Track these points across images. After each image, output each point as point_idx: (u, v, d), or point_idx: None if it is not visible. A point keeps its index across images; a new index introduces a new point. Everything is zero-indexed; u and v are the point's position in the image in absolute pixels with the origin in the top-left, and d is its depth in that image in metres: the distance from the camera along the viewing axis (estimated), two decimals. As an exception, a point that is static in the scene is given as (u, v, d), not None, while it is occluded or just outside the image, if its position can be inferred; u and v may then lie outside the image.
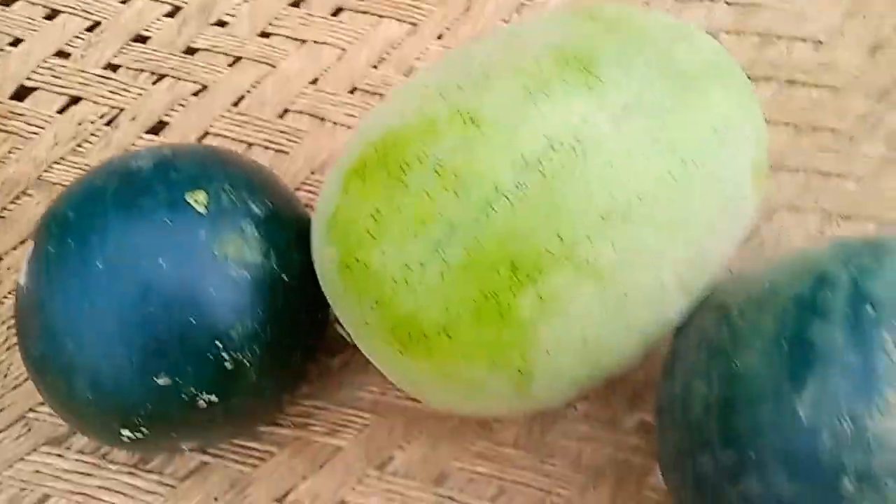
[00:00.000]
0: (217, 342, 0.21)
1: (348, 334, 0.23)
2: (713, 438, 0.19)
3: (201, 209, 0.21)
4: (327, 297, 0.22)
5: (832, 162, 0.30)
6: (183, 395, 0.21)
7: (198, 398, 0.21)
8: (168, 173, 0.22)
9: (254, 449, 0.27)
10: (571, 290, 0.19)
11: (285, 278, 0.22)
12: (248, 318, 0.21)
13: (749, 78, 0.31)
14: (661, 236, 0.19)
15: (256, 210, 0.22)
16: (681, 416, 0.20)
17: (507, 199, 0.18)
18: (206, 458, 0.27)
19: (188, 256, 0.21)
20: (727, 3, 0.33)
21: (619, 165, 0.18)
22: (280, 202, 0.24)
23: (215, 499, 0.26)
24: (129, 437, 0.21)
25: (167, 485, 0.26)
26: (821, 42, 0.31)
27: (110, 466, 0.27)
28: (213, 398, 0.21)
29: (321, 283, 0.22)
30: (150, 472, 0.26)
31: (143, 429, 0.21)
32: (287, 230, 0.23)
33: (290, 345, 0.23)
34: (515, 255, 0.18)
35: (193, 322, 0.20)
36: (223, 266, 0.21)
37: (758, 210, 0.23)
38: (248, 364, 0.21)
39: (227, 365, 0.21)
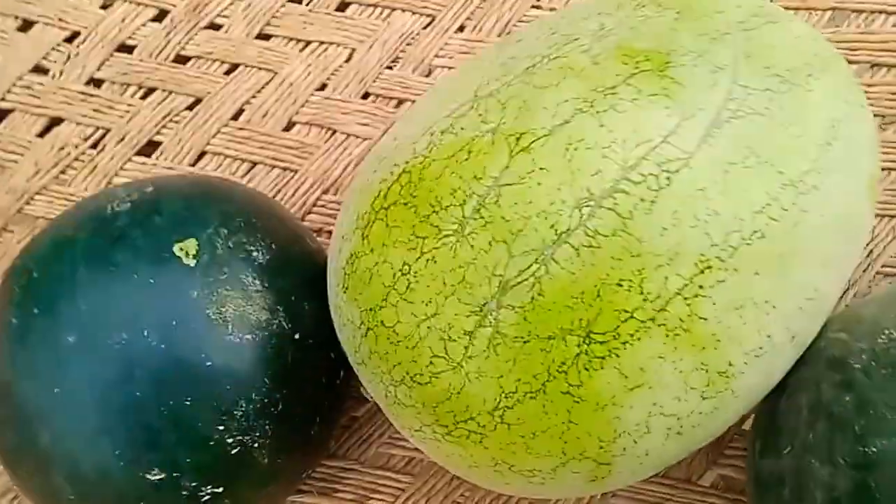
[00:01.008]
0: (218, 425, 0.17)
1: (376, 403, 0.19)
2: (824, 473, 0.15)
3: (191, 261, 0.17)
4: (351, 364, 0.18)
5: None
6: (182, 491, 0.17)
7: (200, 492, 0.17)
8: (150, 218, 0.18)
9: (272, 520, 0.23)
10: (662, 360, 0.15)
11: (297, 336, 0.18)
12: (254, 391, 0.18)
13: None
14: (770, 283, 0.15)
15: (258, 255, 0.18)
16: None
17: (572, 246, 0.14)
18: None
19: (179, 323, 0.17)
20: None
21: (711, 197, 0.14)
22: (287, 241, 0.20)
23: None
24: (120, 539, 0.18)
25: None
26: (910, 14, 0.27)
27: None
28: (218, 490, 0.17)
29: (340, 338, 0.18)
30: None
31: (136, 527, 0.18)
32: (296, 275, 0.19)
33: (307, 416, 0.19)
34: (587, 319, 0.14)
35: (188, 403, 0.17)
36: (221, 331, 0.17)
37: (870, 231, 0.19)
38: (256, 446, 0.18)
39: (232, 450, 0.17)
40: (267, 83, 0.29)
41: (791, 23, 0.17)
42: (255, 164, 0.29)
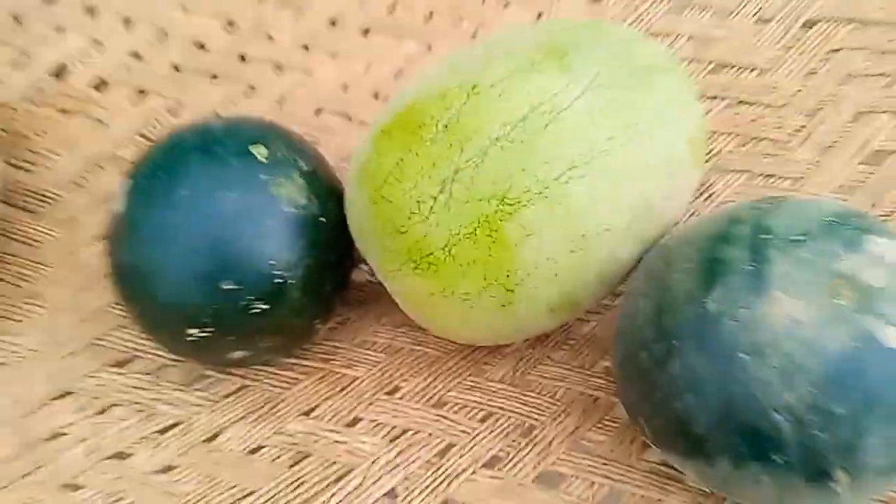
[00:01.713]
0: (271, 261, 0.26)
1: (370, 269, 0.29)
2: (648, 337, 0.24)
3: (262, 159, 0.27)
4: (355, 236, 0.28)
5: (772, 166, 0.36)
6: (241, 301, 0.26)
7: (252, 305, 0.27)
8: (237, 131, 0.28)
9: (285, 375, 0.32)
10: (544, 220, 0.24)
11: (323, 220, 0.28)
12: (294, 245, 0.27)
13: (705, 97, 0.38)
14: (612, 186, 0.25)
15: (303, 165, 0.28)
16: (628, 327, 0.25)
17: (498, 147, 0.24)
18: (244, 381, 0.32)
19: (252, 192, 0.27)
20: (689, 37, 0.40)
21: (581, 127, 0.25)
22: (319, 165, 0.30)
23: (252, 411, 0.31)
24: (194, 336, 0.27)
25: (211, 400, 0.31)
26: (764, 69, 0.38)
27: (164, 384, 0.32)
28: (265, 306, 0.27)
29: (350, 224, 0.28)
30: (197, 390, 0.32)
31: (207, 329, 0.27)
32: (325, 184, 0.29)
33: (325, 275, 0.28)
34: (503, 191, 0.24)
35: (255, 243, 0.26)
36: (278, 202, 0.27)
37: (697, 183, 0.29)
38: (292, 282, 0.27)
39: (277, 280, 0.27)
40: (304, 81, 0.40)
41: (654, 45, 0.28)
42: (290, 136, 0.39)
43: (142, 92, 0.40)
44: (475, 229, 0.25)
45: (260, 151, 0.28)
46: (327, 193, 0.29)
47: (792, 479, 0.22)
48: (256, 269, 0.26)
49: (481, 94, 0.25)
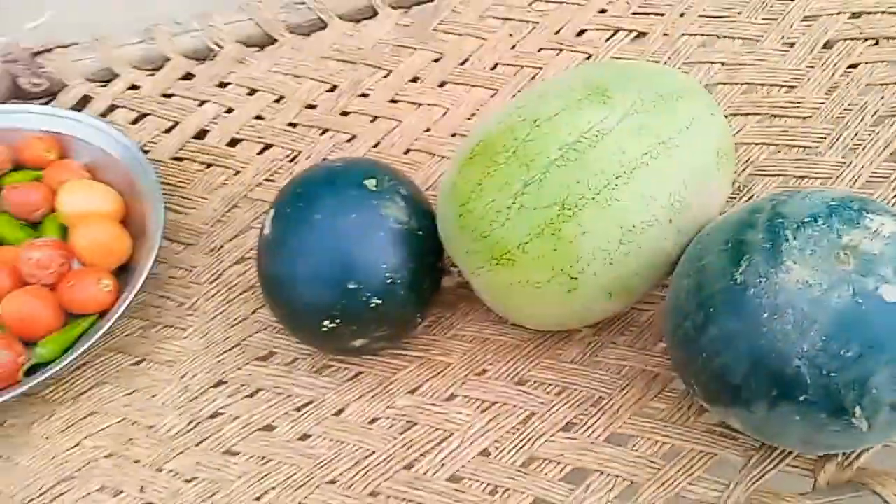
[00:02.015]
0: (383, 265, 0.34)
1: (458, 269, 0.36)
2: (691, 309, 0.30)
3: (373, 188, 0.35)
4: (445, 244, 0.35)
5: (803, 168, 0.41)
6: (362, 297, 0.34)
7: (370, 300, 0.34)
8: (353, 169, 0.36)
9: (393, 363, 0.39)
10: (597, 220, 0.31)
11: (420, 233, 0.36)
12: (400, 252, 0.35)
13: (740, 114, 0.43)
14: (652, 188, 0.31)
15: (403, 191, 0.36)
16: (674, 304, 0.31)
17: (556, 166, 0.31)
18: (360, 369, 0.39)
19: (366, 213, 0.34)
20: (721, 63, 0.46)
21: (621, 145, 0.31)
22: (415, 191, 0.37)
23: (369, 391, 0.38)
24: (327, 327, 0.35)
25: (336, 383, 0.39)
26: (791, 86, 0.43)
27: (297, 372, 0.40)
28: (379, 301, 0.34)
29: (442, 235, 0.35)
30: (325, 376, 0.39)
31: (337, 320, 0.34)
32: (420, 206, 0.37)
33: (423, 276, 0.36)
34: (562, 199, 0.31)
35: (370, 252, 0.34)
36: (386, 220, 0.35)
37: (728, 186, 0.35)
38: (399, 281, 0.34)
39: (388, 280, 0.34)
40: (395, 127, 0.48)
41: (676, 75, 0.34)
42: (385, 173, 0.47)
43: (267, 145, 0.49)
44: (542, 230, 0.31)
45: (371, 183, 0.35)
46: (422, 213, 0.36)
47: (818, 415, 0.27)
48: (373, 272, 0.34)
49: (541, 126, 0.32)
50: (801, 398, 0.27)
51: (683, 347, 0.31)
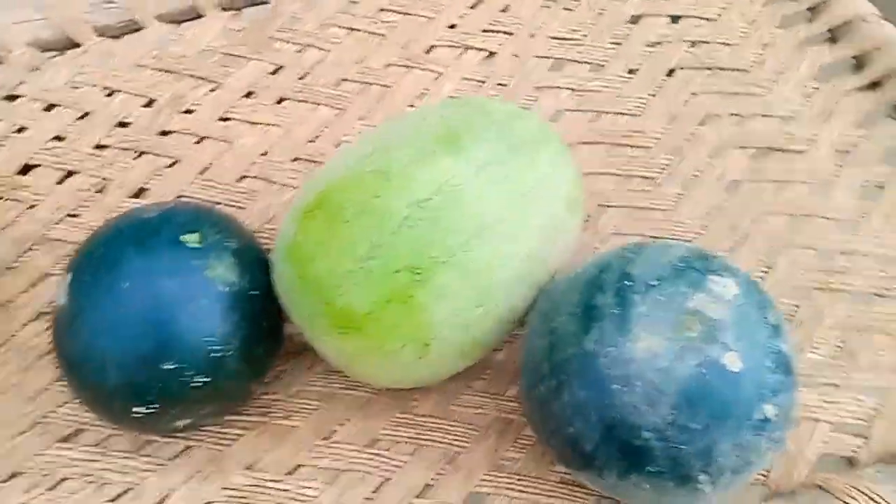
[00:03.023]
0: (208, 337, 0.29)
1: (301, 334, 0.32)
2: (545, 372, 0.28)
3: (194, 244, 0.30)
4: (284, 305, 0.31)
5: (646, 199, 0.41)
6: (182, 378, 0.29)
7: (193, 379, 0.29)
8: (169, 221, 0.31)
9: (227, 433, 0.35)
10: (453, 283, 0.29)
11: (253, 293, 0.31)
12: (229, 320, 0.30)
13: (587, 142, 0.43)
14: (508, 245, 0.29)
15: (232, 244, 0.31)
16: (529, 364, 0.30)
17: (407, 225, 0.28)
18: (188, 442, 0.35)
19: (186, 277, 0.29)
20: (571, 89, 0.45)
21: (477, 201, 0.29)
22: (246, 241, 0.33)
23: (199, 471, 0.34)
24: (139, 413, 0.29)
25: (159, 464, 0.34)
26: (635, 115, 0.44)
27: (112, 454, 0.34)
28: (205, 379, 0.30)
29: (280, 295, 0.31)
30: (144, 455, 0.34)
31: (153, 405, 0.29)
32: (253, 260, 0.32)
33: (257, 341, 0.32)
34: (414, 262, 0.28)
35: (192, 324, 0.29)
36: (211, 283, 0.30)
37: (579, 231, 0.34)
38: (229, 353, 0.30)
39: (214, 355, 0.30)
40: (226, 150, 0.43)
41: (531, 119, 0.32)
42: (217, 204, 0.41)
43: (69, 173, 0.41)
44: (392, 297, 0.28)
45: (192, 239, 0.30)
46: (257, 267, 0.32)
47: (666, 483, 0.27)
48: (195, 347, 0.29)
49: (391, 180, 0.29)
50: (651, 469, 0.26)
51: (538, 409, 0.29)
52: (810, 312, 0.38)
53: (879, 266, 0.38)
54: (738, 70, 0.45)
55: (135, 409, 0.29)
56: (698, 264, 0.28)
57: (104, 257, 0.30)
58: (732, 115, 0.43)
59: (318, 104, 0.44)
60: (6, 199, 0.40)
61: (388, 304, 0.28)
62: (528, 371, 0.30)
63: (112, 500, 0.33)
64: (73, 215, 0.40)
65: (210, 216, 0.32)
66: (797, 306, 0.38)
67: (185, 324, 0.29)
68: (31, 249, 0.39)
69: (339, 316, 0.29)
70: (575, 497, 0.33)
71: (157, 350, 0.29)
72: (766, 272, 0.39)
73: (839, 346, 0.37)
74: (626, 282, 0.28)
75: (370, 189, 0.29)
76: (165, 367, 0.29)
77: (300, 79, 0.45)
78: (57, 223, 0.40)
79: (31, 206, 0.40)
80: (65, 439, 0.34)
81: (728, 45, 0.45)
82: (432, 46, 0.47)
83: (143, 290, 0.29)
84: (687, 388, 0.26)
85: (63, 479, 0.33)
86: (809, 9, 0.46)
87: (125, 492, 0.33)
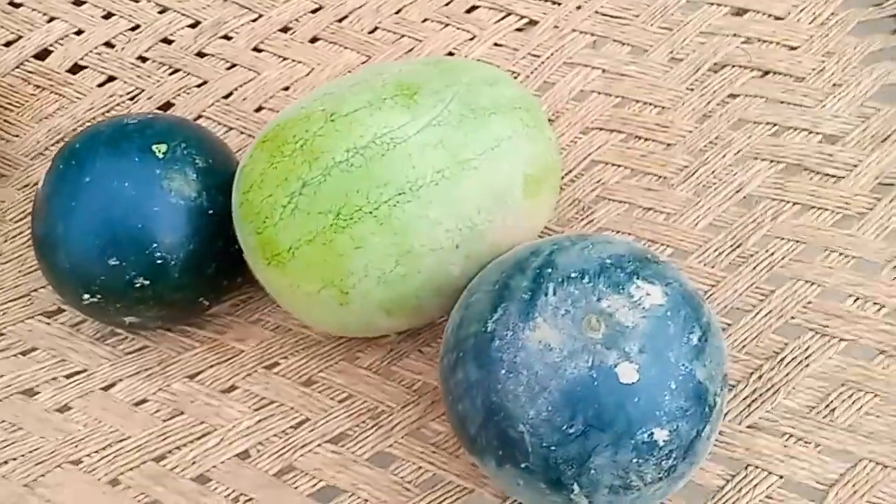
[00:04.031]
0: (154, 244, 0.31)
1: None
2: (449, 346, 0.28)
3: (160, 155, 0.32)
4: (235, 228, 0.32)
5: (652, 199, 0.38)
6: (125, 275, 0.31)
7: (135, 279, 0.31)
8: (145, 129, 0.33)
9: (182, 341, 0.37)
10: (373, 236, 0.28)
11: (210, 212, 0.33)
12: (178, 232, 0.32)
13: (604, 129, 0.41)
14: (437, 210, 0.28)
15: (199, 163, 0.33)
16: (444, 335, 0.29)
17: (339, 170, 0.28)
18: (147, 342, 0.37)
19: (145, 184, 0.31)
20: (602, 70, 0.42)
21: (414, 159, 0.28)
22: (220, 161, 0.34)
23: (146, 369, 0.36)
24: (87, 301, 0.32)
25: (116, 355, 0.36)
26: (664, 107, 0.41)
27: (80, 336, 0.37)
28: (146, 282, 0.31)
29: (233, 212, 0.32)
30: (107, 345, 0.37)
31: (98, 296, 0.32)
32: (220, 182, 0.33)
33: (208, 259, 0.33)
34: (339, 207, 0.28)
35: (140, 227, 0.31)
36: (167, 194, 0.31)
37: (540, 213, 0.32)
38: (172, 264, 0.32)
39: (158, 261, 0.31)
40: (251, 79, 0.44)
41: (505, 87, 0.31)
42: (230, 129, 0.43)
43: (110, 78, 0.45)
44: (314, 237, 0.29)
45: (160, 149, 0.32)
46: (223, 190, 0.33)
47: (539, 484, 0.26)
48: (139, 250, 0.31)
49: (336, 122, 0.29)
50: (523, 465, 0.25)
51: (441, 382, 0.29)
52: (797, 353, 0.34)
53: (890, 319, 0.34)
54: (790, 76, 0.40)
55: (83, 296, 0.32)
56: (629, 266, 0.26)
57: (77, 152, 0.32)
58: (770, 123, 0.39)
59: (347, 48, 0.45)
60: (53, 93, 0.44)
61: (309, 244, 0.29)
62: (443, 343, 0.29)
63: (67, 377, 0.36)
64: (104, 117, 0.44)
65: (188, 132, 0.34)
66: (785, 344, 0.34)
67: (132, 226, 0.31)
68: (62, 140, 0.43)
69: (265, 247, 0.30)
70: (483, 482, 0.32)
71: (104, 244, 0.31)
72: (759, 300, 0.35)
73: (819, 398, 0.33)
74: (547, 269, 0.26)
75: (314, 128, 0.29)
76: (109, 262, 0.31)
77: (338, 21, 0.46)
78: (89, 121, 0.43)
79: (72, 102, 0.44)
80: (47, 314, 0.38)
81: (787, 46, 0.41)
82: (474, 7, 0.45)
83: (101, 187, 0.31)
84: (570, 388, 0.24)
85: (33, 349, 0.37)
86: (893, 16, 0.40)
87: (80, 371, 0.36)
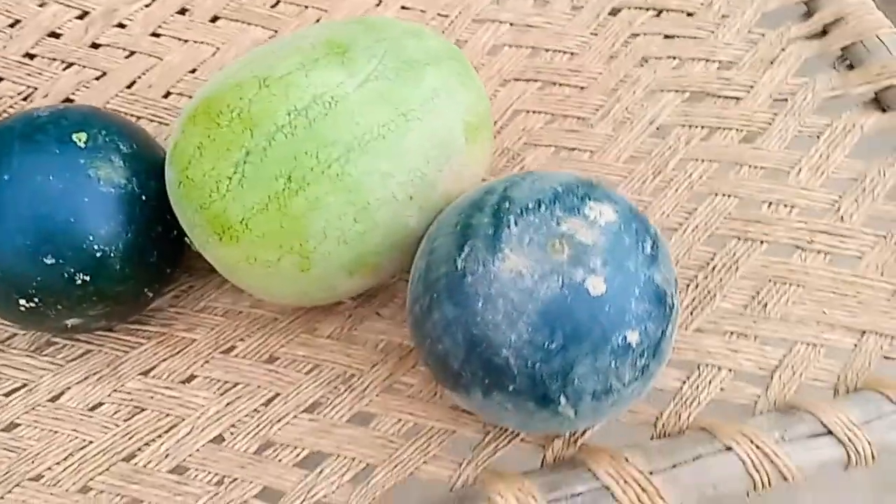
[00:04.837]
0: (90, 236, 0.30)
1: (191, 241, 0.32)
2: (420, 292, 0.28)
3: (82, 144, 0.30)
4: (175, 211, 0.31)
5: (574, 140, 0.40)
6: (64, 273, 0.29)
7: (75, 276, 0.30)
8: (59, 120, 0.31)
9: (127, 340, 0.35)
10: (328, 195, 0.28)
11: (143, 198, 0.31)
12: (113, 221, 0.30)
13: (522, 79, 0.42)
14: (387, 163, 0.29)
15: (124, 149, 0.31)
16: (411, 284, 0.30)
17: (283, 134, 0.28)
18: (89, 346, 0.35)
19: (70, 175, 0.29)
20: (510, 24, 0.44)
21: (357, 115, 0.28)
22: (143, 146, 0.33)
23: (95, 373, 0.34)
24: (24, 307, 0.30)
25: (57, 364, 0.34)
26: (574, 53, 0.43)
27: (12, 351, 0.35)
28: (87, 277, 0.30)
29: (171, 201, 0.31)
30: (44, 356, 0.35)
31: (35, 299, 0.30)
32: (148, 166, 0.32)
33: (148, 247, 0.32)
34: (289, 171, 0.28)
35: (73, 221, 0.29)
36: (95, 184, 0.30)
37: (482, 159, 0.33)
38: (112, 255, 0.30)
39: (97, 253, 0.30)
40: (154, 65, 0.42)
41: (429, 39, 0.32)
42: (139, 118, 0.41)
43: (-5, 78, 0.41)
44: (267, 205, 0.28)
45: (80, 138, 0.30)
46: (152, 174, 0.32)
47: (527, 404, 0.27)
48: (76, 244, 0.29)
49: (271, 86, 0.29)
50: (511, 388, 0.26)
51: (415, 329, 0.29)
52: (725, 260, 0.37)
53: (802, 218, 0.38)
54: (682, 12, 0.43)
55: (20, 302, 0.30)
56: (579, 191, 0.28)
57: (-12, 151, 0.30)
58: (671, 57, 0.42)
59: (252, 24, 0.44)
60: (-69, 102, 0.41)
61: (263, 212, 0.28)
62: (410, 292, 0.30)
63: (6, 395, 0.34)
64: (-2, 121, 0.40)
65: (104, 119, 0.32)
66: (714, 253, 0.37)
67: (64, 220, 0.29)
68: (-49, 152, 0.40)
69: (214, 222, 0.29)
70: (462, 421, 0.33)
71: (37, 243, 0.29)
72: (685, 218, 0.38)
73: (751, 296, 0.36)
74: (504, 203, 0.27)
75: (248, 95, 0.28)
76: (46, 261, 0.29)
77: (237, -1, 0.45)
78: (-21, 128, 0.40)
79: (-44, 110, 0.41)
80: (-33, 336, 0.35)
81: (675, -16, 0.44)
82: (375, -28, 0.46)
83: (24, 184, 0.29)
84: (546, 309, 0.26)
85: (-40, 374, 0.34)
86: (763, -49, 0.44)
87: (20, 387, 0.34)
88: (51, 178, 0.29)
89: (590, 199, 0.28)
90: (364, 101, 0.29)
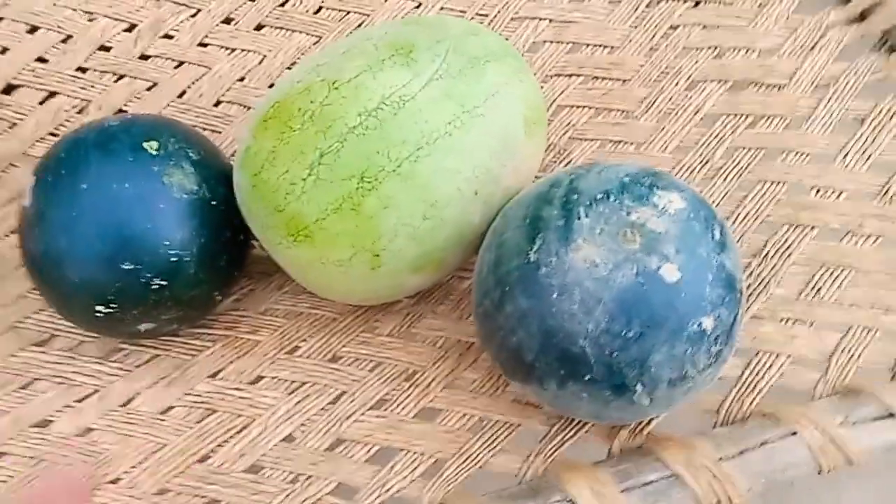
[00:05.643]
0: (165, 241, 0.30)
1: (260, 245, 0.33)
2: (490, 286, 0.29)
3: (153, 152, 0.31)
4: (244, 216, 0.32)
5: (620, 133, 0.41)
6: (141, 279, 0.30)
7: (152, 281, 0.30)
8: (130, 129, 0.31)
9: (194, 344, 0.36)
10: (399, 193, 0.29)
11: (214, 203, 0.32)
12: (187, 227, 0.31)
13: (564, 75, 0.43)
14: (454, 160, 0.29)
15: (193, 156, 0.32)
16: (477, 278, 0.30)
17: (355, 135, 0.29)
18: (156, 351, 0.36)
19: (144, 182, 0.30)
20: (549, 20, 0.44)
21: (425, 113, 0.29)
22: (211, 154, 0.33)
23: (164, 377, 0.35)
24: (101, 313, 0.31)
25: (126, 370, 0.35)
26: (614, 47, 0.43)
27: (82, 359, 0.35)
28: (163, 282, 0.30)
29: (239, 206, 0.32)
30: (113, 361, 0.35)
31: (113, 305, 0.30)
32: (216, 173, 0.33)
33: (219, 252, 0.32)
34: (361, 171, 0.29)
35: (149, 227, 0.30)
36: (169, 190, 0.31)
37: (540, 153, 0.34)
38: (187, 259, 0.31)
39: (173, 258, 0.30)
40: (203, 75, 0.43)
41: (487, 36, 0.32)
42: (193, 126, 0.42)
43: (50, 94, 0.42)
44: (341, 205, 0.29)
45: (151, 146, 0.31)
46: (219, 180, 0.33)
47: (603, 393, 0.27)
48: (153, 250, 0.30)
49: (340, 89, 0.29)
50: (587, 377, 0.27)
51: (485, 323, 0.30)
52: (778, 247, 0.37)
53: (851, 203, 0.38)
54: (719, 2, 0.44)
55: (97, 308, 0.31)
56: (646, 180, 0.28)
57: (65, 160, 0.30)
58: (711, 47, 0.42)
59: (296, 31, 0.45)
60: (-11, 118, 0.41)
61: (336, 212, 0.29)
62: (478, 285, 0.30)
63: (79, 401, 0.34)
64: (55, 134, 0.41)
65: (172, 127, 0.33)
66: (766, 241, 0.38)
67: (141, 226, 0.30)
68: (12, 165, 0.40)
69: (289, 223, 0.30)
70: (526, 414, 0.34)
71: (115, 250, 0.30)
72: (736, 206, 0.38)
73: (805, 282, 0.36)
74: (573, 195, 0.28)
75: (319, 98, 0.29)
76: (124, 267, 0.30)
77: (280, 6, 0.45)
78: (38, 141, 0.41)
79: (13, 125, 0.41)
80: (38, 344, 0.36)
81: (712, -25, 0.44)
82: (414, -24, 0.46)
83: (101, 192, 0.30)
84: (622, 297, 0.26)
85: (35, 380, 0.35)
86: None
87: (92, 393, 0.34)
88: (126, 185, 0.30)
89: (657, 187, 0.28)
90: (430, 100, 0.29)
